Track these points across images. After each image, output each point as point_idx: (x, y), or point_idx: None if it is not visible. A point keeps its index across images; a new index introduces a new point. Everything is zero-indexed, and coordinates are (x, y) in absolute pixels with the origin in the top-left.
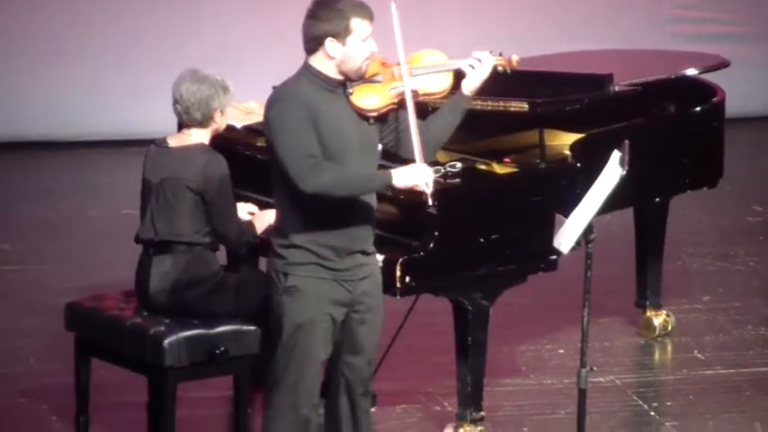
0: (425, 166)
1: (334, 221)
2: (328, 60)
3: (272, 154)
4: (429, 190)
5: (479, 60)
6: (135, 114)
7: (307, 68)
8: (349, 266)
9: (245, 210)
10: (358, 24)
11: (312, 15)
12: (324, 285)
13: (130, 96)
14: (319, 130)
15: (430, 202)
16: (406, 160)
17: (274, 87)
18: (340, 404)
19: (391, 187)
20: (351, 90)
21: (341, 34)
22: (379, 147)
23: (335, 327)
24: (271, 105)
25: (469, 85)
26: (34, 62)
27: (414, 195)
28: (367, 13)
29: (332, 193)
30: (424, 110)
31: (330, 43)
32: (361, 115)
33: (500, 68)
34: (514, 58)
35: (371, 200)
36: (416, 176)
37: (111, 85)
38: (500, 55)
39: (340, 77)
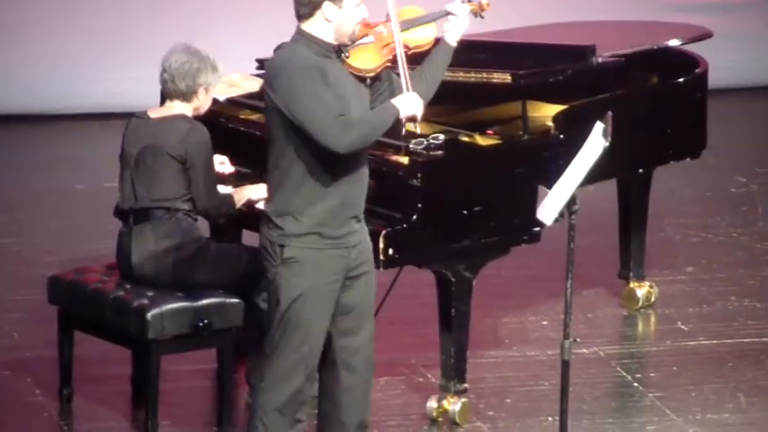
0: (414, 93)
1: (331, 191)
2: (326, 24)
3: (282, 124)
4: (419, 117)
5: (457, 10)
6: (119, 87)
7: (301, 35)
8: (344, 233)
9: (217, 160)
10: None
11: None
12: (321, 255)
13: (114, 69)
14: (329, 89)
15: (418, 129)
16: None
17: (258, 60)
18: (339, 379)
19: (398, 117)
20: (347, 54)
21: None
22: None
23: (334, 297)
24: (278, 73)
25: (453, 36)
26: (16, 35)
27: (399, 153)
28: None
29: (364, 145)
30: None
31: (328, 6)
32: (358, 77)
33: (473, 14)
34: (484, 1)
35: (364, 167)
36: (414, 105)
37: (95, 58)
38: (470, 1)
39: (335, 43)
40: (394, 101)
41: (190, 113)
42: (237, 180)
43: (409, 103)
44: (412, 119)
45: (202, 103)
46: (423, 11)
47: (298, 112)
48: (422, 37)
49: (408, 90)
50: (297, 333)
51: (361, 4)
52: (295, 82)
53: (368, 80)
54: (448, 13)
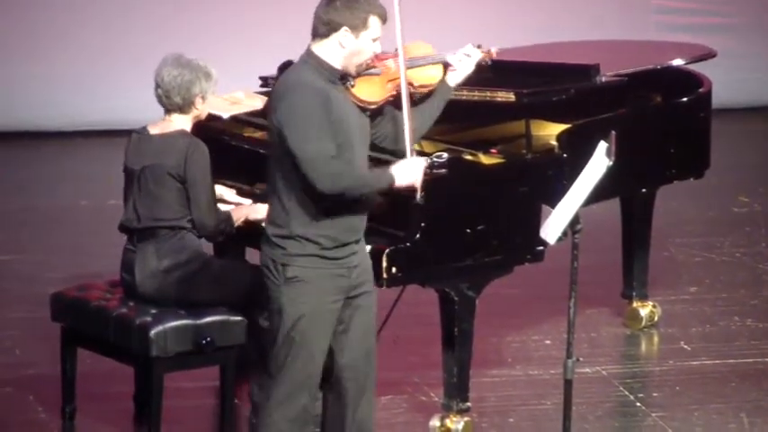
0: (418, 159)
1: (333, 213)
2: (338, 49)
3: (281, 145)
4: (419, 184)
5: (468, 55)
6: (120, 104)
7: (310, 57)
8: (345, 254)
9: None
10: (375, 23)
11: (332, 1)
12: (324, 276)
13: (117, 86)
14: (331, 119)
15: (418, 197)
16: (394, 152)
17: (261, 77)
18: (340, 397)
19: (392, 186)
20: (353, 83)
21: (358, 27)
22: None
23: (335, 317)
24: (283, 96)
25: (456, 78)
26: (20, 52)
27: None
28: (383, 14)
29: (345, 195)
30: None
31: (345, 32)
32: (360, 107)
33: (482, 62)
34: (493, 49)
35: (371, 195)
36: (414, 174)
37: (97, 75)
38: (479, 47)
39: (341, 69)
40: (393, 169)
41: (190, 125)
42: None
43: (409, 171)
44: (413, 189)
45: (201, 111)
46: (431, 48)
47: (292, 141)
48: (428, 76)
49: (411, 154)
50: (301, 352)
51: (377, 40)
52: (294, 109)
53: (368, 112)
54: (464, 55)
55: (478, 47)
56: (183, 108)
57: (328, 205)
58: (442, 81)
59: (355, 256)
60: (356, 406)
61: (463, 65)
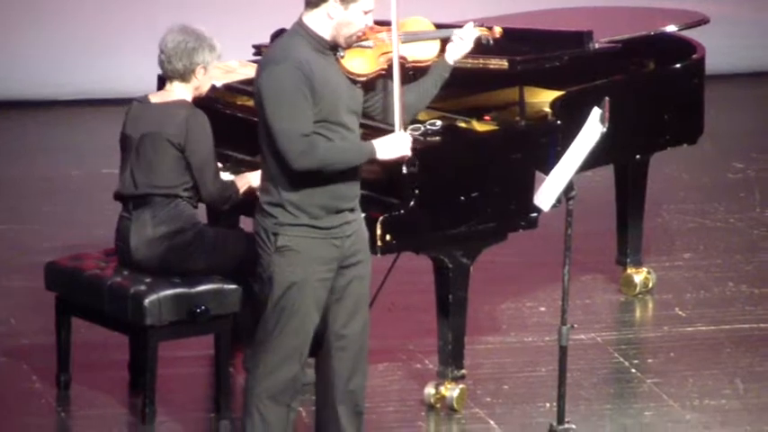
0: (404, 133)
1: (323, 182)
2: (326, 20)
3: (263, 119)
4: (408, 154)
5: (466, 33)
6: (113, 73)
7: (300, 26)
8: (338, 223)
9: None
10: None
11: None
12: (315, 245)
13: (108, 54)
14: (313, 92)
15: (404, 169)
16: (384, 130)
17: (254, 46)
18: (333, 365)
19: (374, 160)
20: (342, 53)
21: None
22: None
23: (327, 286)
24: (264, 68)
25: (454, 56)
26: (9, 22)
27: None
28: None
29: (320, 170)
30: (404, 75)
31: (334, 3)
32: (350, 78)
33: (483, 40)
34: (497, 29)
35: None
36: (398, 148)
37: (89, 43)
38: (482, 25)
39: (330, 40)
40: (376, 141)
41: (190, 95)
42: (236, 167)
43: (394, 146)
44: (401, 160)
45: (202, 82)
46: (430, 24)
47: (267, 115)
48: (422, 53)
49: (399, 128)
50: (291, 321)
51: (369, 13)
52: (273, 83)
53: (358, 83)
54: (462, 33)
55: (481, 25)
56: (185, 75)
57: (315, 175)
58: (440, 59)
59: (349, 225)
60: (349, 376)
61: (462, 43)
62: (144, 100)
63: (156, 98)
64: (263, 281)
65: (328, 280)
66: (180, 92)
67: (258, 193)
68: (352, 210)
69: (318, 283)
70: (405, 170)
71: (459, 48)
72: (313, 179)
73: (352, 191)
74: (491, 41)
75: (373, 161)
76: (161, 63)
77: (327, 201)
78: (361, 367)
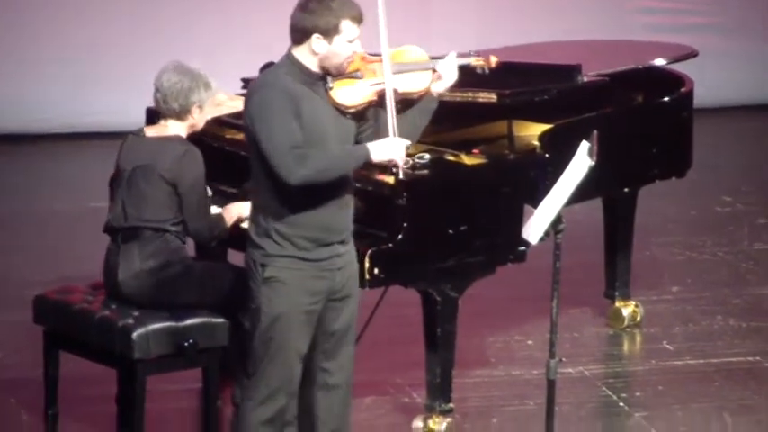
0: (399, 138)
1: (312, 214)
2: (311, 55)
3: (254, 144)
4: (401, 163)
5: (448, 64)
6: (99, 107)
7: (288, 58)
8: (327, 256)
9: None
10: (347, 26)
11: (304, 8)
12: (302, 277)
13: (95, 89)
14: (300, 117)
15: (400, 174)
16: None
17: (243, 79)
18: (317, 398)
19: (369, 162)
20: (330, 85)
21: (329, 32)
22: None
23: (314, 318)
24: (253, 94)
25: (438, 88)
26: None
27: (385, 173)
28: (357, 16)
29: (317, 181)
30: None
31: (317, 39)
32: (339, 110)
33: (478, 69)
34: (493, 59)
35: (349, 192)
36: (392, 151)
37: (76, 77)
38: (478, 55)
39: (320, 72)
40: (369, 144)
41: (185, 132)
42: (223, 200)
43: (388, 149)
44: (394, 165)
45: (197, 120)
46: (424, 53)
47: (258, 135)
48: (414, 85)
49: (394, 134)
50: (279, 352)
51: (355, 40)
52: (262, 105)
53: (347, 114)
54: (448, 62)
55: (476, 54)
56: (180, 115)
57: (303, 202)
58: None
59: (340, 258)
60: (333, 409)
61: (448, 75)
62: (139, 133)
63: (152, 132)
64: (252, 312)
65: (315, 312)
66: (175, 128)
67: (248, 225)
68: (342, 242)
69: (305, 315)
70: (400, 175)
71: (446, 80)
72: (302, 209)
73: (343, 223)
74: (486, 71)
75: (362, 190)
76: (157, 102)
77: (317, 233)
78: (346, 400)
